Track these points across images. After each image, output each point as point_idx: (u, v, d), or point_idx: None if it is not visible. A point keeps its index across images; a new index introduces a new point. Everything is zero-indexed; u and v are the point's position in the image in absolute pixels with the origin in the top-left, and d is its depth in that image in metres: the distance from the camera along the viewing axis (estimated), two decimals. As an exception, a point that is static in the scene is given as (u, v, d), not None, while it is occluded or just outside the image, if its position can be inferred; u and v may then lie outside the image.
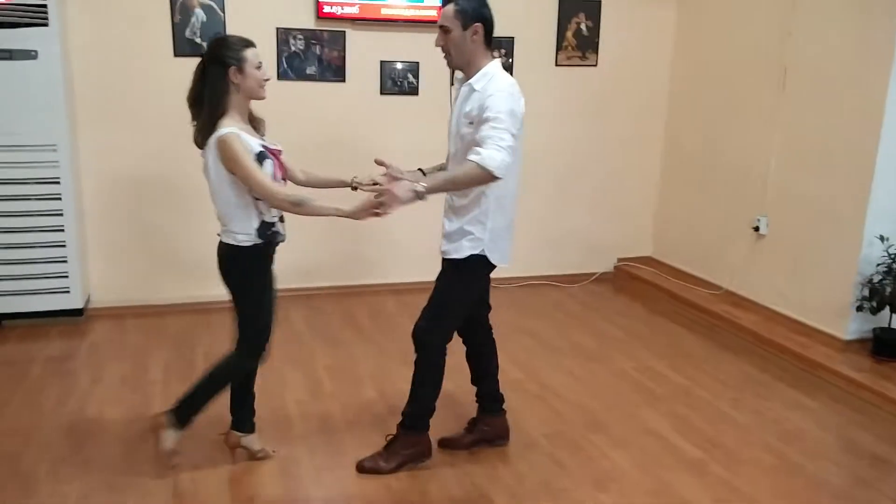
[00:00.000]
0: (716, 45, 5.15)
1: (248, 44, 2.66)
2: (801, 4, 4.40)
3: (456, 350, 3.12)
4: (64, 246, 4.34)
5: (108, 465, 2.97)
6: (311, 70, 4.85)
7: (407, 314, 2.97)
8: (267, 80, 2.72)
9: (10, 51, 4.04)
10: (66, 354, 4.09)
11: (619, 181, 5.69)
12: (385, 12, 4.83)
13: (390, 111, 5.04)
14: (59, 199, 4.28)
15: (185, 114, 2.73)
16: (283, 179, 2.77)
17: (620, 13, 5.37)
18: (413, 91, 5.07)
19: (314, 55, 4.84)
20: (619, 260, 5.82)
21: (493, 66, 2.77)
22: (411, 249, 5.10)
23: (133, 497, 2.77)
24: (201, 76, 2.66)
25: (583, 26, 5.33)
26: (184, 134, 2.72)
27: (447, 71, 2.92)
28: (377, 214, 2.61)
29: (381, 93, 5.03)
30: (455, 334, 3.02)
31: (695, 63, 5.38)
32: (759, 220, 4.74)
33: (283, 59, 4.78)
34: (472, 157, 2.60)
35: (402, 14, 4.86)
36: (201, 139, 2.65)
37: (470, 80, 2.77)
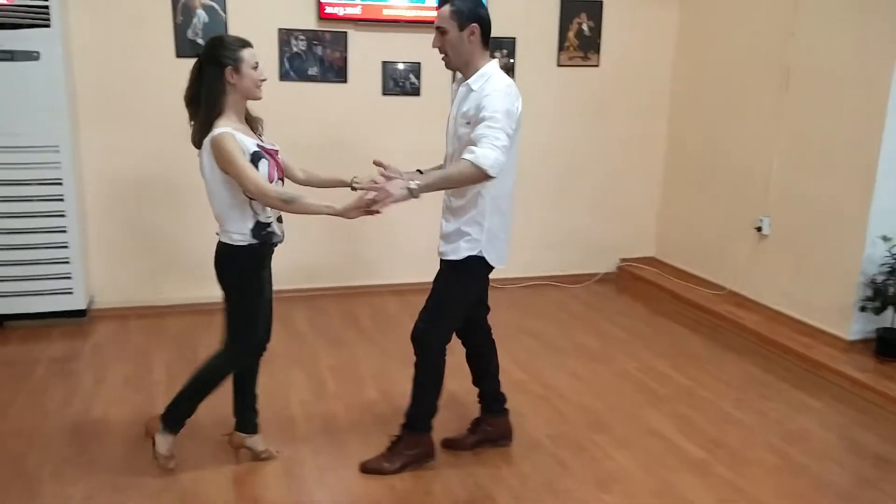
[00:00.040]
0: (718, 46, 5.14)
1: (245, 44, 2.66)
2: (803, 5, 4.40)
3: (458, 350, 3.13)
4: (66, 247, 4.34)
5: (112, 465, 2.97)
6: (312, 71, 4.85)
7: (409, 314, 2.96)
8: (263, 80, 2.70)
9: (11, 52, 4.04)
10: (69, 355, 4.10)
11: (622, 181, 5.69)
12: (387, 13, 4.84)
13: (392, 112, 5.04)
14: (62, 200, 4.29)
15: (187, 114, 2.73)
16: (281, 179, 2.76)
17: (622, 13, 5.37)
18: (415, 92, 5.07)
19: (316, 56, 4.84)
20: (622, 260, 5.82)
21: (491, 66, 2.77)
22: (413, 250, 5.10)
23: (137, 498, 2.77)
24: (198, 76, 2.65)
25: (584, 26, 5.33)
26: (185, 134, 2.72)
27: (449, 71, 2.93)
28: (369, 213, 2.60)
29: (383, 93, 5.03)
30: (454, 335, 3.02)
31: (697, 63, 5.37)
32: (761, 220, 4.74)
33: (285, 60, 4.78)
34: (466, 155, 2.59)
35: (404, 15, 4.86)
36: (198, 139, 2.64)
37: (467, 81, 2.77)
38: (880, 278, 4.00)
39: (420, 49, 4.88)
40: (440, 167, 3.00)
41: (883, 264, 4.00)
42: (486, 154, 2.56)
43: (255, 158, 2.61)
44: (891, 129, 3.92)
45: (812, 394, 3.82)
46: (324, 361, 4.06)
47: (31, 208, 4.24)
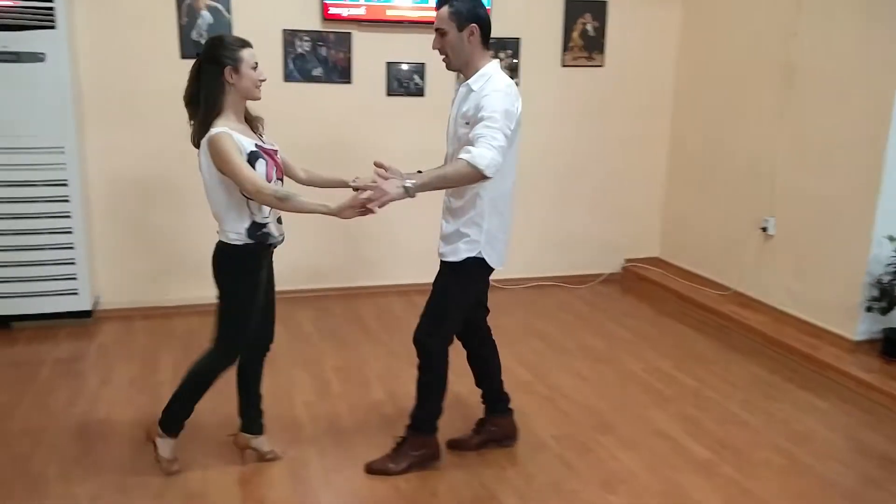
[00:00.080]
0: (721, 46, 5.14)
1: (245, 44, 2.66)
2: (806, 4, 4.39)
3: (462, 351, 3.13)
4: (72, 248, 4.35)
5: (118, 465, 2.97)
6: (317, 72, 4.86)
7: (414, 315, 2.96)
8: (263, 80, 2.70)
9: (17, 53, 4.05)
10: (74, 356, 4.10)
11: (627, 181, 5.68)
12: (391, 13, 4.84)
13: (396, 112, 5.04)
14: (67, 201, 4.29)
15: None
16: (280, 179, 2.75)
17: (626, 14, 5.36)
18: (419, 92, 5.07)
19: (320, 57, 4.85)
20: (627, 261, 5.81)
21: (492, 66, 2.76)
22: (418, 250, 5.09)
23: (143, 498, 2.77)
24: (197, 76, 2.65)
25: (589, 27, 5.33)
26: (189, 135, 2.72)
27: (453, 72, 2.92)
28: (364, 213, 2.59)
29: (388, 94, 5.04)
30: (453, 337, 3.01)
31: (701, 63, 5.36)
32: (766, 220, 4.73)
33: (289, 61, 4.79)
34: (462, 155, 2.58)
35: (408, 15, 4.86)
36: (197, 139, 2.64)
37: (468, 81, 2.76)
38: (886, 278, 3.99)
39: (424, 50, 4.85)
40: (440, 168, 3.00)
41: (889, 264, 3.99)
42: (482, 154, 2.55)
43: (252, 158, 2.60)
44: (897, 129, 3.92)
45: (818, 394, 3.81)
46: (329, 362, 4.06)
47: (36, 209, 4.25)
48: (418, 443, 2.98)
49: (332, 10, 4.73)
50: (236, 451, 3.05)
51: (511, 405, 3.23)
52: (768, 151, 4.72)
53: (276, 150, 2.78)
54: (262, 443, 3.04)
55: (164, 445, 2.91)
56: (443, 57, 2.79)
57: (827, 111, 4.29)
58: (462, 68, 2.78)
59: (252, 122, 2.79)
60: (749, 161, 4.89)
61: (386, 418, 3.41)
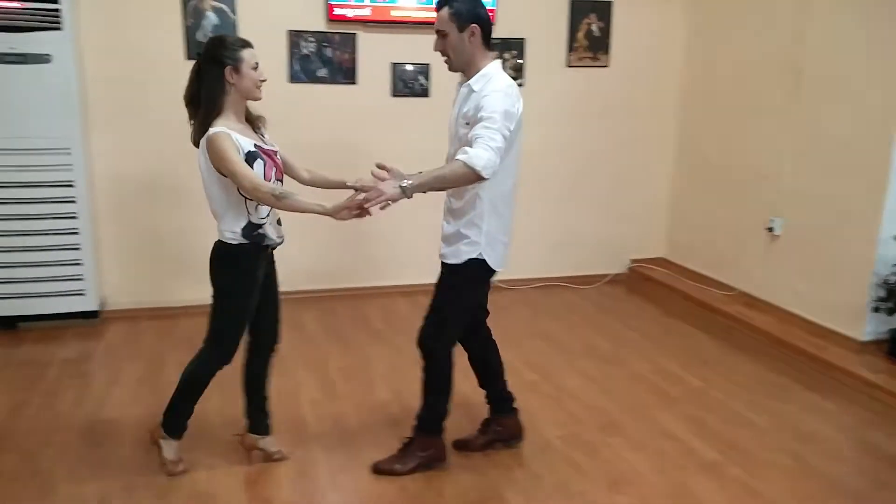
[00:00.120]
0: (728, 46, 5.13)
1: (246, 44, 2.66)
2: (814, 5, 4.38)
3: (465, 352, 3.12)
4: (79, 248, 4.36)
5: (126, 465, 2.98)
6: (322, 72, 4.86)
7: (419, 315, 2.95)
8: (263, 80, 2.70)
9: (24, 55, 4.07)
10: (82, 356, 4.12)
11: (632, 182, 5.68)
12: (395, 14, 4.84)
13: (401, 113, 5.04)
14: (74, 201, 4.31)
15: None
16: (279, 180, 2.75)
17: (632, 14, 5.36)
18: (424, 93, 5.07)
19: (325, 57, 4.85)
20: (633, 261, 5.80)
21: (493, 66, 2.75)
22: (423, 251, 5.07)
23: (150, 498, 2.78)
24: (198, 75, 2.66)
25: (594, 27, 5.32)
26: (190, 135, 2.73)
27: (458, 73, 2.91)
28: (360, 215, 2.59)
29: (393, 95, 5.04)
30: None
31: (707, 63, 5.36)
32: (773, 220, 4.72)
33: (295, 62, 4.79)
34: (460, 155, 2.57)
35: (413, 16, 4.86)
36: (197, 138, 2.65)
37: (469, 82, 2.75)
38: (893, 279, 3.98)
39: (429, 50, 4.81)
40: (438, 168, 2.98)
41: (896, 265, 3.99)
42: (479, 155, 2.54)
43: (250, 158, 2.60)
44: (904, 129, 3.91)
45: (825, 395, 3.80)
46: (334, 362, 4.07)
47: (43, 210, 4.26)
48: (425, 444, 2.98)
49: (337, 11, 4.73)
50: (243, 452, 3.06)
51: (516, 405, 3.23)
52: (775, 152, 4.71)
53: (276, 151, 2.78)
54: (269, 443, 3.04)
55: (168, 447, 2.92)
56: (444, 58, 2.78)
57: (833, 111, 4.28)
58: (463, 69, 2.77)
59: (253, 122, 2.79)
60: (755, 161, 4.89)
61: (392, 418, 3.41)
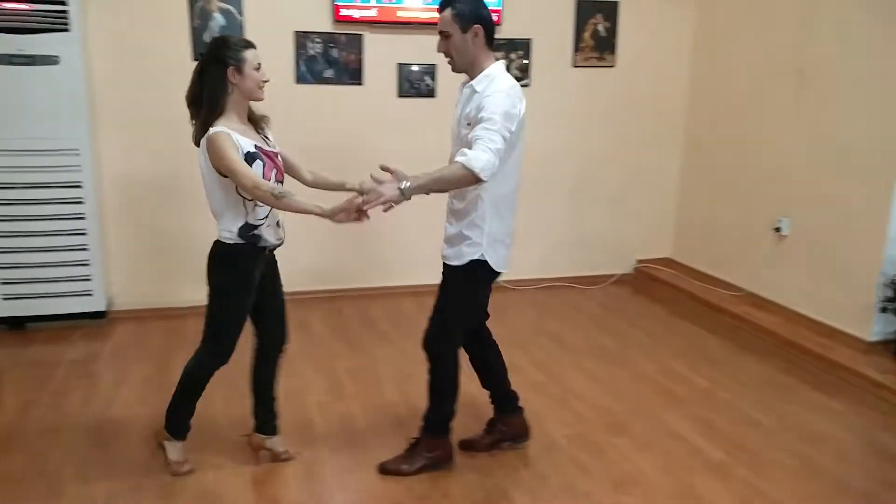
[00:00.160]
0: (735, 45, 5.12)
1: (249, 45, 2.67)
2: (821, 5, 4.37)
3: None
4: (86, 249, 4.38)
5: (133, 465, 2.99)
6: (328, 73, 4.87)
7: (425, 316, 2.95)
8: (266, 81, 2.70)
9: (32, 56, 4.08)
10: (89, 356, 4.13)
11: (639, 182, 5.67)
12: (401, 15, 4.85)
13: (408, 114, 5.05)
14: (81, 202, 4.33)
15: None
16: (280, 181, 2.75)
17: (638, 14, 5.35)
18: (430, 93, 5.07)
19: (331, 58, 4.86)
20: (639, 261, 5.80)
21: (496, 67, 2.74)
22: (428, 251, 5.06)
23: (158, 498, 2.79)
24: (200, 75, 2.67)
25: (600, 27, 5.32)
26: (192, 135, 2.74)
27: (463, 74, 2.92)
28: (357, 220, 2.59)
29: (399, 95, 5.04)
30: None
31: (714, 63, 5.35)
32: (780, 220, 4.71)
33: (301, 63, 4.80)
34: (458, 157, 2.57)
35: (419, 16, 4.86)
36: (198, 138, 2.66)
37: (471, 82, 2.74)
38: (901, 279, 3.97)
39: (435, 51, 4.89)
40: (438, 170, 2.97)
41: (904, 265, 3.97)
42: (477, 157, 2.53)
43: (249, 158, 2.60)
44: (912, 129, 3.89)
45: (832, 396, 3.79)
46: (341, 363, 4.08)
47: (50, 211, 4.28)
48: (431, 445, 2.98)
49: (343, 12, 4.74)
50: (250, 452, 3.07)
51: (521, 403, 3.22)
52: (782, 152, 4.70)
53: (277, 153, 2.78)
54: (276, 443, 3.05)
55: (172, 448, 2.93)
56: (448, 59, 2.77)
57: (841, 111, 4.27)
58: (467, 69, 2.76)
59: (257, 123, 2.79)
60: (763, 161, 4.87)
61: (399, 419, 3.42)
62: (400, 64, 4.99)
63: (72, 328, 4.45)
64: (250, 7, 4.62)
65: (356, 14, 4.76)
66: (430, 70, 5.02)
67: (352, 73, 4.91)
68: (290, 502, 2.81)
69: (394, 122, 5.03)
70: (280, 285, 2.98)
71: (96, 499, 2.77)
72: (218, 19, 4.58)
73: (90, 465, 2.99)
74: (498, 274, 2.86)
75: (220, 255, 2.75)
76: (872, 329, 4.11)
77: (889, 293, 4.00)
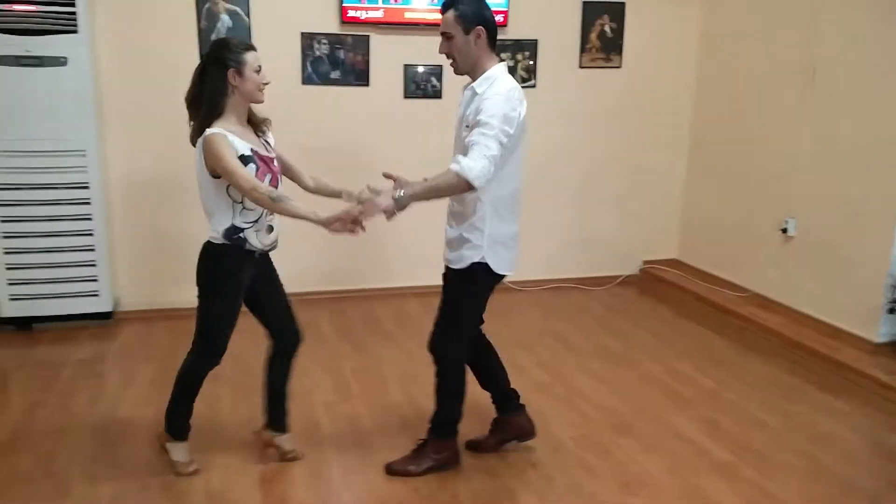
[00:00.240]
0: (742, 45, 5.11)
1: (249, 47, 2.68)
2: (828, 4, 4.36)
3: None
4: (93, 250, 4.40)
5: (140, 465, 3.00)
6: (335, 74, 4.88)
7: (430, 316, 2.95)
8: (266, 83, 2.71)
9: (40, 57, 4.10)
10: (96, 357, 4.15)
11: (645, 183, 5.66)
12: (408, 16, 4.85)
13: (414, 115, 5.05)
14: (88, 203, 4.34)
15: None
16: (274, 187, 2.73)
17: (644, 15, 5.35)
18: (436, 94, 5.08)
19: (338, 59, 4.87)
20: (645, 262, 5.79)
21: (497, 69, 2.72)
22: (432, 252, 5.06)
23: (165, 498, 2.80)
24: (200, 77, 2.68)
25: (607, 28, 5.31)
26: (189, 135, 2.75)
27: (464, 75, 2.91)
28: (352, 231, 2.58)
29: (405, 97, 5.05)
30: None
31: (720, 63, 5.34)
32: (787, 221, 4.69)
33: (308, 64, 4.81)
34: (452, 165, 2.55)
35: (425, 17, 4.87)
36: (195, 138, 2.68)
37: (472, 84, 2.73)
38: (909, 280, 3.96)
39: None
40: (433, 178, 2.96)
41: (911, 266, 3.96)
42: (471, 166, 2.52)
43: (242, 161, 2.61)
44: (919, 129, 3.88)
45: (839, 397, 3.78)
46: (347, 363, 4.08)
47: (58, 212, 4.29)
48: (438, 447, 2.98)
49: (350, 13, 4.75)
50: (257, 452, 3.07)
51: (526, 404, 3.20)
52: (789, 152, 4.69)
53: (273, 158, 2.78)
54: (284, 441, 3.06)
55: (175, 449, 2.94)
56: (450, 61, 2.76)
57: (848, 111, 4.26)
58: (469, 71, 2.75)
59: (257, 125, 2.80)
60: (769, 162, 4.86)
61: (405, 420, 3.42)
62: (406, 65, 4.99)
63: (78, 328, 4.47)
64: (257, 8, 4.64)
65: (363, 15, 4.77)
66: (437, 71, 5.02)
67: (358, 75, 4.92)
68: (296, 502, 2.81)
69: (400, 123, 5.04)
70: (279, 286, 2.97)
71: (103, 499, 2.78)
72: (225, 21, 4.59)
73: (97, 465, 3.00)
74: (501, 276, 2.84)
75: (207, 256, 2.76)
76: (879, 330, 4.10)
77: (896, 294, 4.00)
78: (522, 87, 2.80)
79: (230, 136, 2.60)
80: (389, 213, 2.59)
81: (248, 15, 4.62)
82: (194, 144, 2.68)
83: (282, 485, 2.91)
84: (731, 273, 5.26)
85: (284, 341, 2.98)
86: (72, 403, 3.54)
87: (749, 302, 4.94)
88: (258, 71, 2.67)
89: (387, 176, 2.71)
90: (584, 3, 5.22)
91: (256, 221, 2.73)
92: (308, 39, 4.78)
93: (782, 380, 3.98)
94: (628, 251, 5.74)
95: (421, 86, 5.05)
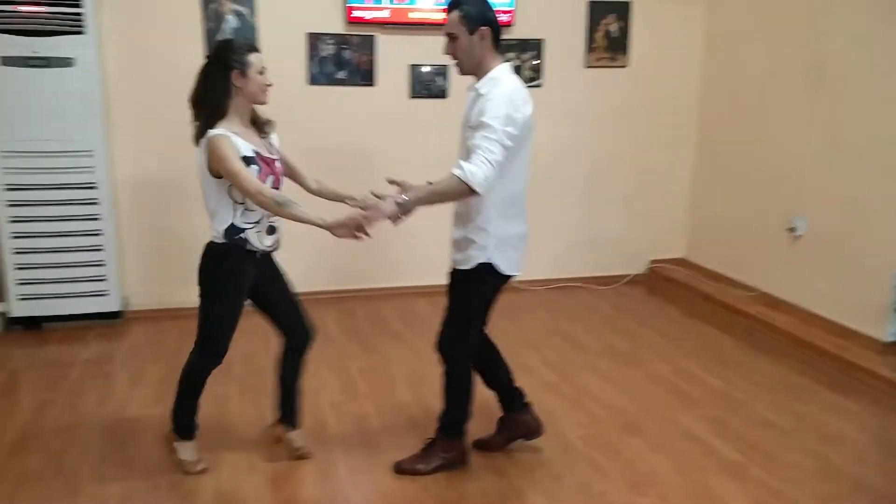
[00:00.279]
0: (748, 44, 5.09)
1: (253, 48, 2.69)
2: (835, 3, 4.34)
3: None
4: (101, 250, 4.41)
5: (149, 464, 3.01)
6: (340, 74, 4.88)
7: (438, 316, 2.96)
8: (269, 85, 2.72)
9: (47, 58, 4.12)
10: (105, 356, 4.16)
11: (651, 182, 5.65)
12: (413, 16, 4.85)
13: (420, 115, 5.05)
14: (96, 203, 4.35)
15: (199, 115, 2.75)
16: (276, 188, 2.75)
17: (650, 14, 5.34)
18: (442, 94, 5.08)
19: (344, 60, 4.87)
20: (652, 262, 5.78)
21: (501, 69, 2.71)
22: (439, 251, 5.07)
23: (174, 497, 2.81)
24: (204, 78, 2.69)
25: (613, 28, 5.31)
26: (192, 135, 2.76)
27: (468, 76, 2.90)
28: (356, 237, 2.59)
29: (411, 96, 5.05)
30: None
31: (727, 62, 5.32)
32: (795, 220, 4.68)
33: (313, 64, 4.82)
34: (455, 170, 2.54)
35: (430, 17, 4.86)
36: (198, 138, 2.69)
37: (476, 85, 2.72)
38: (918, 279, 3.94)
39: (447, 51, 4.91)
40: (436, 182, 2.95)
41: (920, 264, 3.94)
42: (474, 172, 2.51)
43: (244, 163, 2.61)
44: (928, 127, 3.87)
45: (848, 396, 3.76)
46: (354, 363, 4.08)
47: (66, 212, 4.31)
48: (447, 446, 2.98)
49: (356, 14, 4.75)
50: (266, 451, 3.08)
51: (534, 404, 3.19)
52: (797, 151, 4.67)
53: (276, 160, 2.79)
54: (296, 437, 3.06)
55: (183, 449, 2.95)
56: (455, 61, 2.76)
57: (857, 110, 4.24)
58: (474, 71, 2.74)
59: (260, 126, 2.81)
60: (777, 161, 4.85)
61: (412, 419, 3.42)
62: (412, 65, 5.00)
63: (87, 328, 4.48)
64: (263, 9, 4.64)
65: (368, 15, 4.77)
66: (442, 71, 5.02)
67: (364, 75, 4.92)
68: (305, 501, 2.82)
69: (406, 123, 5.04)
70: (285, 284, 2.98)
71: (113, 498, 2.79)
72: (231, 21, 4.60)
73: (106, 464, 3.01)
74: (509, 277, 2.84)
75: (209, 256, 2.78)
76: (888, 329, 4.08)
77: (905, 293, 3.98)
78: (528, 86, 2.79)
79: (233, 138, 2.61)
80: (395, 219, 2.59)
81: (253, 15, 4.63)
82: (197, 144, 2.69)
83: (291, 484, 2.92)
84: (739, 272, 5.24)
85: (296, 338, 2.98)
86: (81, 403, 3.55)
87: (757, 301, 4.93)
88: (262, 72, 2.68)
89: (391, 182, 2.71)
90: (590, 2, 5.22)
91: (258, 222, 2.74)
92: (314, 39, 4.79)
93: (791, 379, 3.97)
94: (636, 250, 5.73)
95: (427, 85, 5.05)
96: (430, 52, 4.93)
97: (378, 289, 5.24)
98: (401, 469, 2.97)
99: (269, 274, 2.92)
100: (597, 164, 5.50)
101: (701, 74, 5.56)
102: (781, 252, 4.83)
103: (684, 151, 5.69)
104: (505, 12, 4.90)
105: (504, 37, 2.79)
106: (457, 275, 2.86)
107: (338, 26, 4.81)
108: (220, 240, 2.73)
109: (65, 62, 4.14)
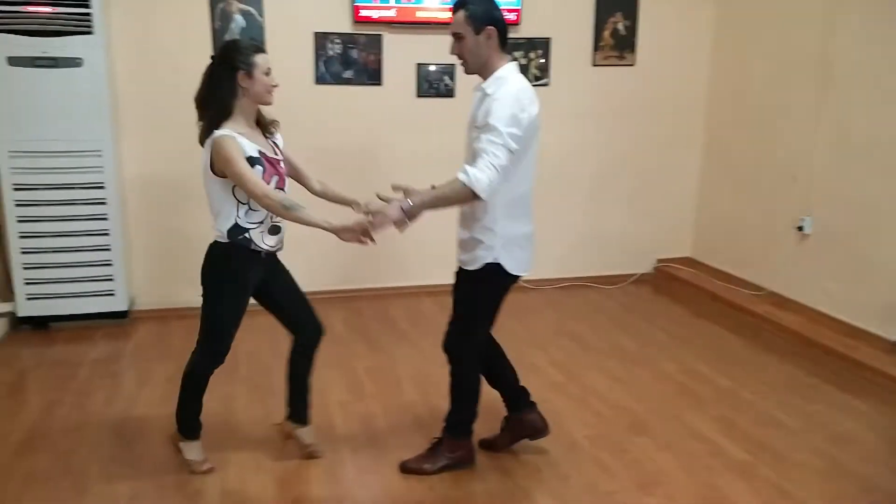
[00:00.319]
0: (756, 43, 5.07)
1: (259, 49, 2.69)
2: (844, 1, 4.32)
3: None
4: (108, 250, 4.42)
5: (157, 464, 3.02)
6: (348, 74, 4.88)
7: (445, 316, 2.95)
8: (275, 86, 2.72)
9: (55, 59, 4.13)
10: (112, 356, 4.17)
11: (659, 181, 5.64)
12: (420, 15, 4.85)
13: (427, 114, 5.05)
14: (104, 203, 4.37)
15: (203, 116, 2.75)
16: (280, 189, 2.75)
17: (658, 12, 5.32)
18: (449, 93, 5.07)
19: (351, 59, 4.87)
20: (659, 261, 5.76)
21: (507, 69, 2.70)
22: (446, 251, 5.07)
23: (181, 496, 2.81)
24: (210, 78, 2.69)
25: (620, 26, 5.29)
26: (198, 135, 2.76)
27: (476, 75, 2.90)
28: (362, 241, 2.60)
29: (418, 95, 5.05)
30: None
31: (735, 61, 5.30)
32: (803, 219, 4.66)
33: (321, 63, 4.82)
34: (460, 174, 2.53)
35: (437, 16, 4.86)
36: (203, 138, 2.69)
37: (482, 85, 2.71)
38: (927, 278, 3.92)
39: (454, 51, 4.91)
40: (441, 186, 2.94)
41: (930, 264, 3.92)
42: (478, 177, 2.50)
43: (249, 163, 2.62)
44: (937, 126, 3.84)
45: (856, 395, 3.75)
46: (361, 362, 4.09)
47: (74, 212, 4.32)
48: (453, 446, 2.98)
49: (363, 13, 4.75)
50: (272, 450, 3.08)
51: (541, 404, 3.18)
52: (805, 150, 4.65)
53: (280, 161, 2.79)
54: (305, 434, 3.07)
55: (188, 448, 2.96)
56: (461, 61, 2.75)
57: (865, 109, 4.22)
58: (480, 71, 2.73)
59: (265, 127, 2.81)
60: (785, 160, 4.83)
61: (419, 419, 3.42)
62: (419, 64, 4.99)
63: (94, 328, 4.50)
64: (270, 9, 4.65)
65: (375, 14, 4.77)
66: (449, 70, 5.02)
67: (371, 74, 4.92)
68: (312, 500, 2.82)
69: (413, 122, 5.04)
70: (291, 282, 2.98)
71: (121, 497, 2.80)
72: (238, 21, 4.61)
73: (114, 463, 3.02)
74: (516, 277, 2.83)
75: (213, 255, 2.78)
76: (897, 329, 4.07)
77: (914, 292, 3.96)
78: (535, 85, 2.79)
79: (239, 139, 2.62)
80: (400, 225, 2.59)
81: (261, 15, 4.63)
82: (202, 144, 2.70)
83: (297, 483, 2.92)
84: (747, 271, 5.22)
85: (307, 335, 2.98)
86: (88, 402, 3.57)
87: (765, 301, 4.91)
88: (268, 73, 2.68)
89: (395, 188, 2.71)
90: (598, 0, 5.20)
91: (261, 222, 2.74)
92: (321, 39, 4.79)
93: (799, 379, 3.95)
94: (642, 250, 5.72)
95: (434, 85, 5.05)
96: (438, 51, 4.92)
97: (385, 288, 5.24)
98: (407, 469, 2.97)
99: (275, 273, 2.92)
100: (603, 162, 5.49)
101: (708, 73, 5.54)
102: (789, 251, 4.81)
103: (691, 150, 5.68)
104: (512, 11, 4.90)
105: (511, 36, 2.78)
106: (463, 275, 2.85)
107: (345, 26, 4.81)
108: (223, 240, 2.73)
109: (73, 62, 4.16)
